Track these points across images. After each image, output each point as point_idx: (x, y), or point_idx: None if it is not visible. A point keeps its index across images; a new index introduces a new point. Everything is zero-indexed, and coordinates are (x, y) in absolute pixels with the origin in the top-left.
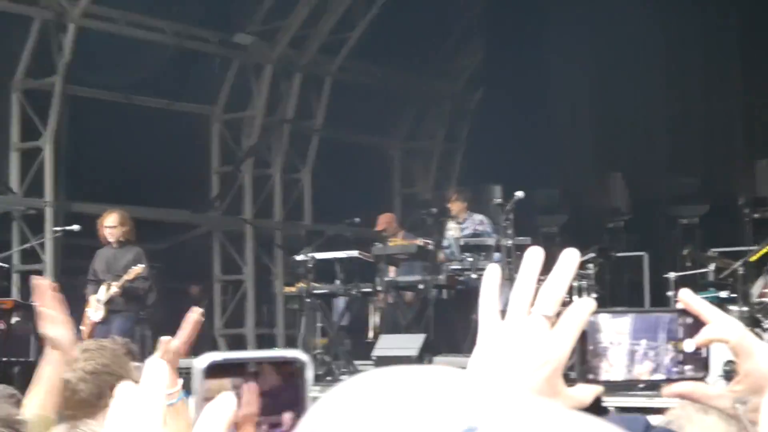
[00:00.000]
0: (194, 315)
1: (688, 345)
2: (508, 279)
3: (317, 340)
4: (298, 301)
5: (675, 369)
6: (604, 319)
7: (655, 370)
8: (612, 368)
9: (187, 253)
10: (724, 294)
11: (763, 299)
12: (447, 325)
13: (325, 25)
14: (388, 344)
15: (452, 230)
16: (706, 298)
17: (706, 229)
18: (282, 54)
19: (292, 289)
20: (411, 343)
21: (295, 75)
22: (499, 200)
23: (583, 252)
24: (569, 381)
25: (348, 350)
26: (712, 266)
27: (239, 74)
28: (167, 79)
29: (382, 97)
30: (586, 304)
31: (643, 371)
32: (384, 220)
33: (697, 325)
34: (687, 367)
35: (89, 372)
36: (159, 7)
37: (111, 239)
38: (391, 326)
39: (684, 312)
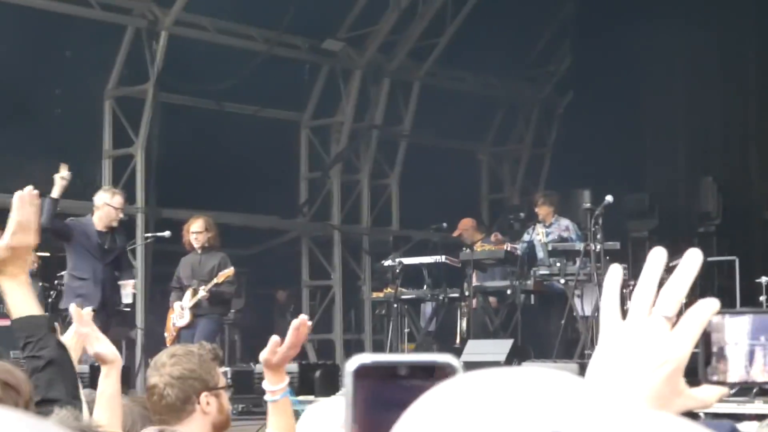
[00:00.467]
0: (299, 321)
1: None
2: (597, 284)
3: (405, 346)
4: (385, 307)
5: None
6: (730, 320)
7: None
8: (733, 369)
9: (276, 259)
10: (762, 309)
11: None
12: (534, 330)
13: (414, 31)
14: (475, 349)
15: (540, 235)
16: None
17: None
18: (371, 60)
19: (380, 294)
20: (499, 348)
21: (383, 80)
22: (588, 205)
23: (673, 257)
24: (693, 382)
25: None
26: None
27: (328, 80)
28: (257, 86)
29: (469, 102)
30: (710, 304)
31: (761, 372)
32: (463, 225)
33: None
34: None
35: (176, 377)
36: (249, 14)
37: (196, 245)
38: (478, 331)
39: None
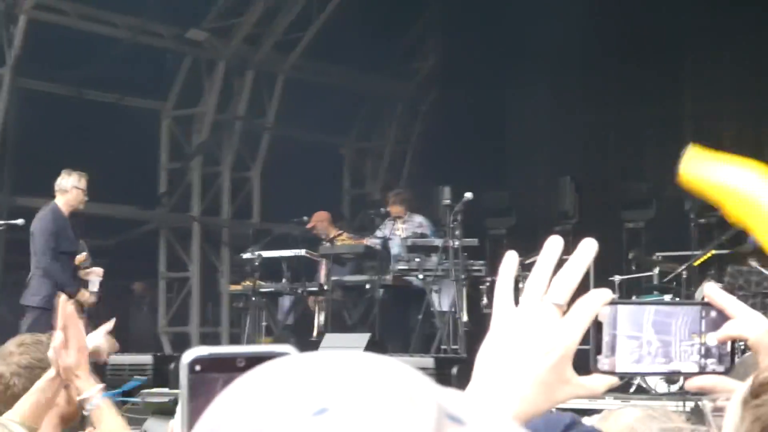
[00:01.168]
0: (61, 301)
1: (711, 339)
2: (454, 280)
3: (262, 339)
4: (243, 300)
5: (696, 363)
6: (622, 311)
7: (670, 363)
8: (622, 360)
9: (133, 250)
10: (668, 297)
11: None
12: (392, 324)
13: (280, 23)
14: (332, 343)
15: (399, 230)
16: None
17: (652, 233)
18: (235, 51)
19: (238, 287)
20: (355, 342)
21: (247, 72)
22: (447, 201)
23: (530, 254)
24: (585, 371)
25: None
26: (656, 270)
27: (191, 70)
28: (119, 74)
29: (334, 97)
30: (601, 294)
31: (658, 364)
32: (317, 218)
33: (721, 319)
34: (709, 361)
35: (24, 366)
36: (112, 0)
37: None
38: (336, 325)
39: (708, 305)
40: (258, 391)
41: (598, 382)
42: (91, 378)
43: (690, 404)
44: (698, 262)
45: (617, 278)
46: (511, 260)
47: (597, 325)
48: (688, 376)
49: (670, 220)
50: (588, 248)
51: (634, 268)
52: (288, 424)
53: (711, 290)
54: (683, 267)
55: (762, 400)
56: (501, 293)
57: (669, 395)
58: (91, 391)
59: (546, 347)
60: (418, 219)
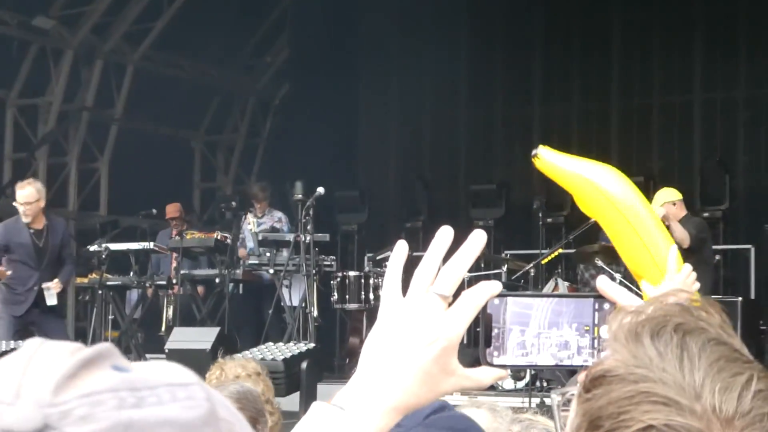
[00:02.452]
0: None
1: (604, 331)
2: (305, 275)
3: (109, 333)
4: (90, 293)
5: (589, 355)
6: (511, 303)
7: (560, 356)
8: (510, 352)
9: None
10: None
11: None
12: (242, 319)
13: (130, 13)
14: (181, 337)
15: (251, 224)
16: None
17: (501, 231)
18: (83, 40)
19: (85, 280)
20: (205, 336)
21: (96, 62)
22: (299, 196)
23: (381, 250)
24: (473, 363)
25: (140, 343)
26: (504, 268)
27: (37, 59)
28: None
29: (185, 89)
30: (489, 286)
31: (547, 356)
32: (172, 209)
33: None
34: (602, 354)
35: None
36: None
37: None
38: (185, 320)
39: (601, 298)
40: None
41: (485, 374)
42: None
43: (536, 401)
44: (546, 260)
45: (466, 275)
46: (400, 250)
47: (486, 317)
48: (579, 369)
49: (518, 219)
50: (477, 240)
51: (482, 265)
52: None
53: (603, 283)
54: (531, 265)
55: (591, 394)
56: (389, 283)
57: (516, 391)
58: None
59: (429, 338)
60: (278, 214)
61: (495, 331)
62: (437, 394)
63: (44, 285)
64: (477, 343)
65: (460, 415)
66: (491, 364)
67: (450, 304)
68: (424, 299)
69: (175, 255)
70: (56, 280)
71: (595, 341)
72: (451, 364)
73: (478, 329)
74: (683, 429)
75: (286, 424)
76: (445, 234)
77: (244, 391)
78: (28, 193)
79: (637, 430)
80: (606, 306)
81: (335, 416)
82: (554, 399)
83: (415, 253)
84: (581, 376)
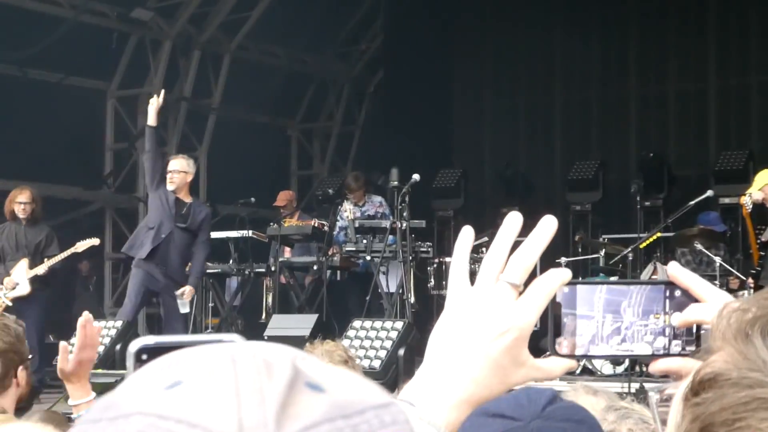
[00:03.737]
0: (83, 318)
1: (675, 319)
2: (402, 261)
3: (209, 320)
4: None
5: (662, 345)
6: (581, 291)
7: (632, 345)
8: (581, 342)
9: (78, 230)
10: (614, 280)
11: None
12: (340, 306)
13: (226, 3)
14: (280, 324)
15: (347, 212)
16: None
17: (598, 215)
18: (181, 30)
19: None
20: (303, 323)
21: (193, 52)
22: (395, 183)
23: (478, 236)
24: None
25: (240, 330)
26: (602, 252)
27: (136, 50)
28: (63, 54)
29: (281, 78)
30: (560, 273)
31: (620, 346)
32: (284, 197)
33: (686, 299)
34: (674, 342)
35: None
36: None
37: (22, 215)
38: (284, 307)
39: (673, 285)
40: (140, 373)
41: (556, 364)
42: (87, 386)
43: (635, 386)
44: (644, 244)
45: (563, 260)
46: (466, 237)
47: (555, 307)
48: (653, 358)
49: (616, 203)
50: (547, 226)
51: (580, 250)
52: (139, 398)
53: (675, 269)
54: (629, 249)
55: (702, 398)
56: (455, 271)
57: (614, 377)
58: (83, 400)
59: (500, 328)
60: (378, 199)
61: (564, 320)
62: (508, 385)
63: (177, 293)
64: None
65: (575, 405)
66: (561, 354)
67: (520, 293)
68: (494, 288)
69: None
70: (189, 288)
71: (667, 329)
72: (522, 355)
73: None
74: None
75: None
76: (514, 220)
77: None
78: (177, 162)
79: None
80: (677, 293)
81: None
82: (652, 397)
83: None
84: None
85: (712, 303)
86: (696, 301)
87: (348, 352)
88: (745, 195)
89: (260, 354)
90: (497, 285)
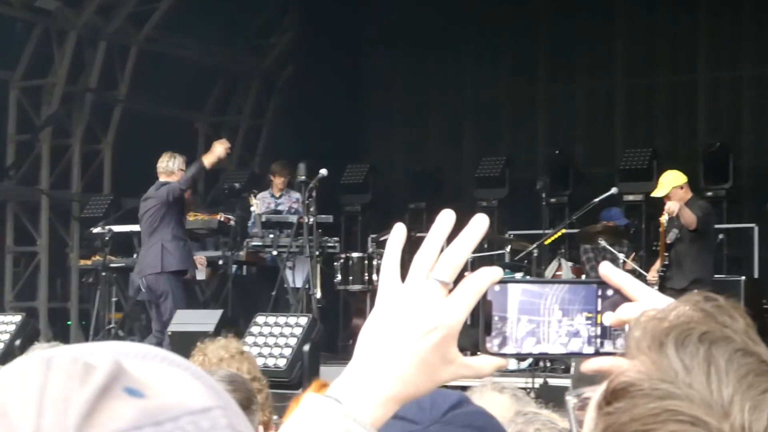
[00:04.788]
0: None
1: (607, 319)
2: (308, 257)
3: (112, 315)
4: (93, 275)
5: (591, 343)
6: (513, 290)
7: (564, 344)
8: (511, 341)
9: None
10: (518, 275)
11: None
12: (245, 301)
13: None
14: (184, 319)
15: (254, 206)
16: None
17: (504, 211)
18: (87, 21)
19: (88, 262)
20: (208, 318)
21: (99, 43)
22: (303, 177)
23: (384, 231)
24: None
25: (144, 325)
26: (508, 248)
27: (41, 40)
28: None
29: (189, 70)
30: (490, 272)
31: (550, 345)
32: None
33: (618, 299)
34: (606, 342)
35: None
36: None
37: None
38: (188, 302)
39: (604, 284)
40: None
41: (485, 362)
42: None
43: (539, 381)
44: (549, 241)
45: (469, 256)
46: (398, 233)
47: (486, 305)
48: (581, 357)
49: (522, 199)
50: (479, 224)
51: (485, 246)
52: None
53: (607, 269)
54: (534, 246)
55: (614, 407)
56: (386, 268)
57: (519, 372)
58: None
59: (428, 326)
60: (296, 195)
61: (494, 319)
62: (435, 383)
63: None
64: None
65: (479, 410)
66: (491, 353)
67: (450, 291)
68: (424, 285)
69: None
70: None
71: (598, 329)
72: (450, 353)
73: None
74: None
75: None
76: (446, 217)
77: (233, 374)
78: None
79: None
80: (609, 292)
81: (331, 409)
82: (570, 401)
83: (418, 234)
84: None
85: (644, 302)
86: (628, 300)
87: (241, 345)
88: (664, 214)
89: (82, 358)
90: (427, 282)
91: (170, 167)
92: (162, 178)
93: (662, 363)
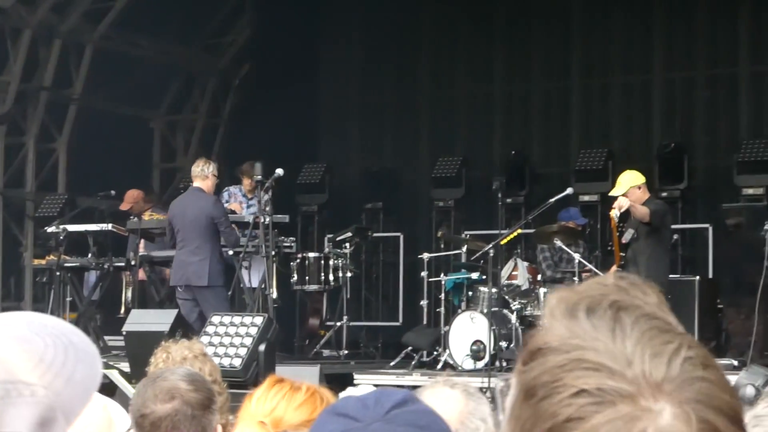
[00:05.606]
0: None
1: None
2: (264, 256)
3: (66, 315)
4: (47, 274)
5: None
6: None
7: None
8: None
9: None
10: (475, 275)
11: (512, 281)
12: None
13: None
14: (139, 319)
15: None
16: (457, 279)
17: (461, 211)
18: (42, 19)
19: (42, 261)
20: (163, 318)
21: (54, 41)
22: (258, 177)
23: (340, 231)
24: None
25: (99, 325)
26: (464, 248)
27: None
28: None
29: (145, 69)
30: None
31: None
32: (129, 199)
33: None
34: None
35: None
36: None
37: None
38: (144, 302)
39: None
40: None
41: None
42: None
43: (495, 380)
44: (505, 240)
45: (426, 256)
46: None
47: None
48: None
49: (478, 199)
50: None
51: (442, 246)
52: None
53: None
54: (490, 246)
55: (528, 367)
56: None
57: (475, 371)
58: None
59: None
60: (266, 197)
61: None
62: None
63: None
64: (437, 323)
65: (424, 409)
66: None
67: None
68: None
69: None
70: None
71: None
72: None
73: (438, 310)
74: (614, 392)
75: None
76: None
77: (194, 373)
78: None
79: (569, 395)
80: None
81: None
82: (498, 384)
83: (375, 234)
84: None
85: None
86: None
87: (204, 349)
88: (614, 209)
89: None
90: None
91: (205, 172)
92: (196, 183)
93: (572, 326)
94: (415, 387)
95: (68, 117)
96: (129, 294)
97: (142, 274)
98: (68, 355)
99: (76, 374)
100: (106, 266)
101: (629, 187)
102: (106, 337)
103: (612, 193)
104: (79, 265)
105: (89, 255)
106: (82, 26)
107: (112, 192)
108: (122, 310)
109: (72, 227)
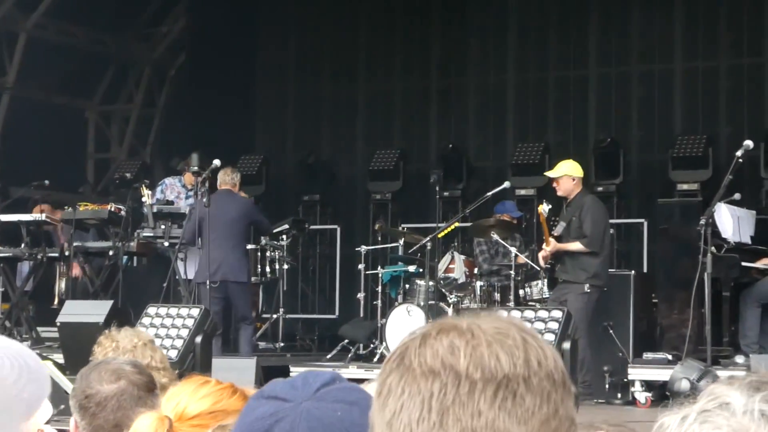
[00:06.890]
0: None
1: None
2: (200, 248)
3: None
4: None
5: None
6: None
7: None
8: None
9: None
10: (412, 268)
11: (449, 275)
12: (136, 292)
13: None
14: (73, 310)
15: (145, 197)
16: (394, 272)
17: (398, 204)
18: None
19: None
20: (97, 309)
21: None
22: (195, 168)
23: (277, 223)
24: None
25: (32, 316)
26: (401, 241)
27: None
28: None
29: (79, 58)
30: None
31: None
32: (37, 212)
33: None
34: None
35: None
36: None
37: None
38: (78, 292)
39: None
40: None
41: None
42: None
43: None
44: (442, 234)
45: (363, 248)
46: None
47: None
48: None
49: (415, 192)
50: None
51: (379, 238)
52: None
53: None
54: (427, 239)
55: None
56: None
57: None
58: None
59: None
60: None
61: None
62: None
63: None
64: (374, 315)
65: (352, 386)
66: None
67: None
68: None
69: (61, 227)
70: None
71: None
72: None
73: (375, 302)
74: None
75: None
76: None
77: (135, 360)
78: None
79: None
80: None
81: None
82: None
83: (312, 227)
84: None
85: None
86: None
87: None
88: (543, 204)
89: None
90: None
91: (234, 180)
92: (225, 187)
93: None
94: (352, 380)
95: (1, 106)
96: (62, 285)
97: (76, 266)
98: (21, 375)
99: (24, 393)
100: (39, 257)
101: (564, 174)
102: (39, 329)
103: (547, 173)
104: (11, 256)
105: (22, 245)
106: (15, 14)
107: (46, 182)
108: (56, 301)
109: (4, 217)
